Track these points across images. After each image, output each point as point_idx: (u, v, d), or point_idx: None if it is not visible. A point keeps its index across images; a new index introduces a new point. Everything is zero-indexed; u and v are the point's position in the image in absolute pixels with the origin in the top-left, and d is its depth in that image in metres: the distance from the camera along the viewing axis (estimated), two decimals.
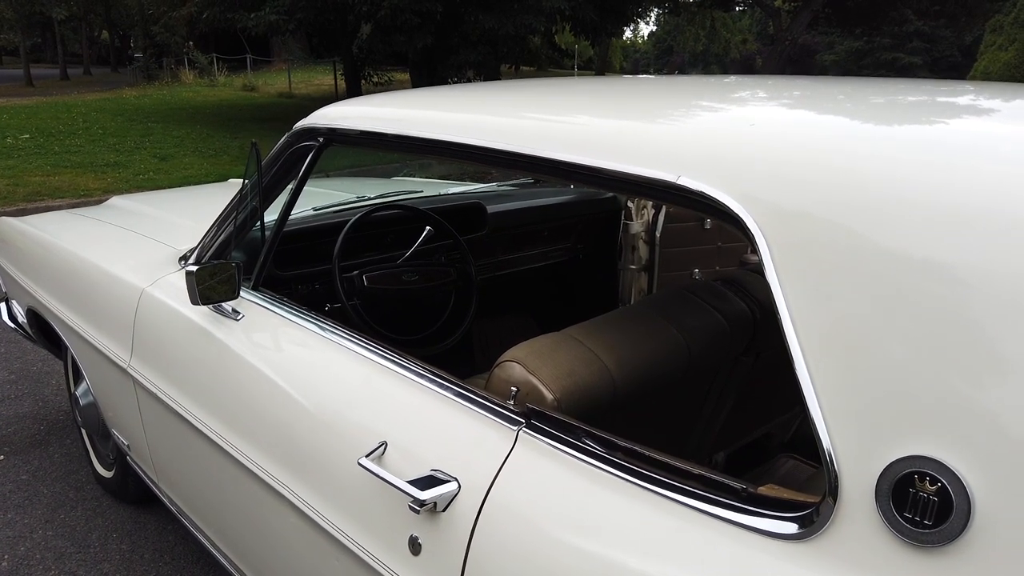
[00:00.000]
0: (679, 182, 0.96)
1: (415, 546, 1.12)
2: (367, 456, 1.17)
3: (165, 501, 2.04)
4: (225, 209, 1.82)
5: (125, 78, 25.23)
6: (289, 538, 1.41)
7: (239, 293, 1.64)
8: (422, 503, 1.06)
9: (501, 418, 1.12)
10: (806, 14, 17.83)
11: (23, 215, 2.87)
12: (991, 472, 0.69)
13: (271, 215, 1.72)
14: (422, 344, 2.07)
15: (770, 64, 21.22)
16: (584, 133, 1.15)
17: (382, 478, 1.13)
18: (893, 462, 0.74)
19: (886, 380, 0.76)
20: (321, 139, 1.61)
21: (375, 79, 16.04)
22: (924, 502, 0.71)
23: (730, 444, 1.74)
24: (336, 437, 1.30)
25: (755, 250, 0.88)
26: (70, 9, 29.71)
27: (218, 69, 21.81)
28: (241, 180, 1.81)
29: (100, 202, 3.32)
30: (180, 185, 6.89)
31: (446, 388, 1.21)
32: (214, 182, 5.72)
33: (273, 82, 20.31)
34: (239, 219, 1.73)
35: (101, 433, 2.49)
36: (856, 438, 0.77)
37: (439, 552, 1.09)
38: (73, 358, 2.47)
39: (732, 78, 1.65)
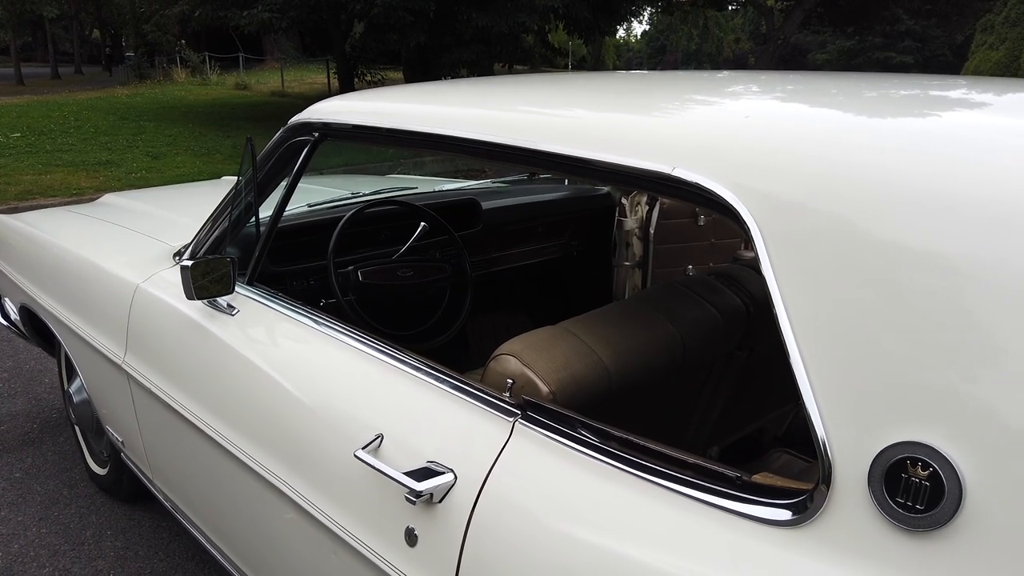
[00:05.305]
0: (674, 173, 0.97)
1: (411, 537, 1.12)
2: (363, 448, 1.18)
3: (160, 497, 2.03)
4: (220, 204, 1.82)
5: (116, 77, 25.12)
6: (285, 532, 1.41)
7: (234, 288, 1.64)
8: (419, 494, 1.06)
9: (497, 410, 1.12)
10: (799, 13, 17.88)
11: (14, 213, 2.85)
12: (982, 457, 0.70)
13: (266, 210, 1.72)
14: (417, 340, 2.08)
15: (763, 63, 21.28)
16: (578, 125, 1.15)
17: (378, 470, 1.13)
18: (885, 448, 0.74)
19: (879, 368, 0.76)
20: (316, 134, 1.61)
21: (368, 78, 16.02)
22: (916, 487, 0.72)
23: (724, 438, 1.75)
24: (332, 430, 1.31)
25: (749, 241, 0.89)
26: (61, 7, 29.55)
27: (210, 68, 21.74)
28: (235, 178, 1.81)
29: (92, 200, 3.31)
30: (173, 183, 6.86)
31: (442, 381, 1.22)
32: (207, 180, 5.70)
33: (266, 81, 20.25)
34: (234, 214, 1.73)
35: (95, 430, 2.48)
36: (849, 425, 0.77)
37: (435, 543, 1.09)
38: (67, 355, 2.46)
39: (725, 73, 1.66)
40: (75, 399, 2.50)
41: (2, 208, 6.41)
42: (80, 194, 7.23)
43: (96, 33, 36.58)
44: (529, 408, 1.10)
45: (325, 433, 1.32)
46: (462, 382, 1.20)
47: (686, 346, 1.39)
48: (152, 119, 13.38)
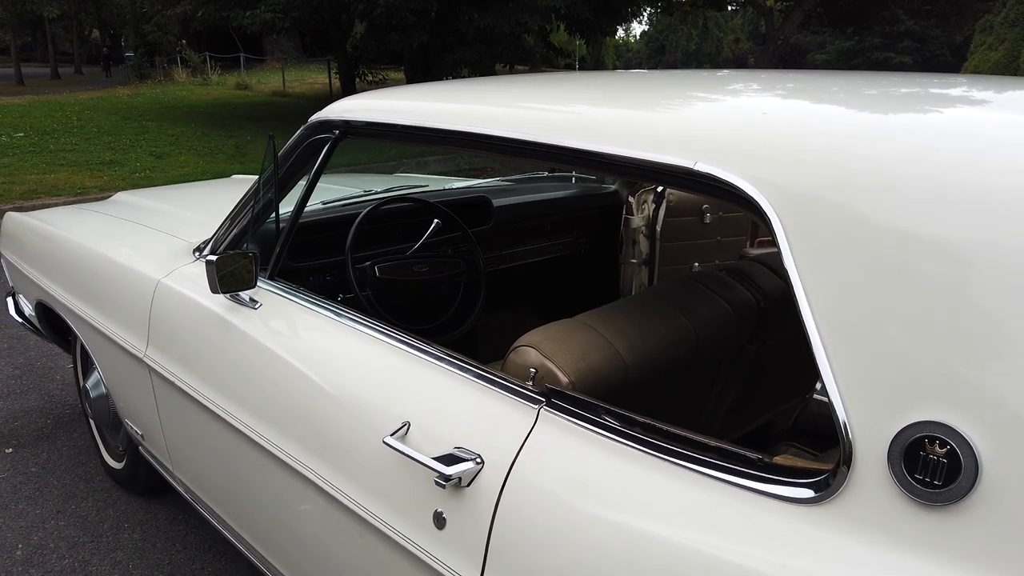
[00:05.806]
0: (696, 168, 1.00)
1: (440, 521, 1.16)
2: (392, 435, 1.21)
3: (179, 489, 2.07)
4: (240, 201, 1.86)
5: (116, 77, 25.13)
6: (311, 518, 1.45)
7: (257, 283, 1.67)
8: (448, 478, 1.10)
9: (522, 398, 1.16)
10: (798, 14, 17.92)
11: (24, 212, 2.88)
12: (997, 434, 0.74)
13: (286, 207, 1.76)
14: (432, 333, 2.11)
15: (762, 63, 21.31)
16: (601, 121, 1.19)
17: (408, 455, 1.17)
18: (904, 428, 0.78)
19: (897, 352, 0.80)
20: (336, 131, 1.65)
21: (370, 78, 16.04)
22: (934, 464, 0.76)
23: (733, 432, 1.78)
24: (359, 419, 1.34)
25: (771, 233, 0.92)
26: (61, 7, 29.57)
27: (211, 68, 21.76)
28: (246, 176, 1.84)
29: (97, 199, 3.34)
30: (177, 183, 6.88)
31: (466, 371, 1.25)
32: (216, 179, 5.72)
33: (267, 81, 20.26)
34: (255, 210, 1.76)
35: (111, 424, 2.52)
36: (869, 407, 0.81)
37: (464, 526, 1.13)
38: (83, 351, 2.50)
39: (734, 71, 1.69)
40: (92, 394, 2.54)
41: (7, 207, 6.42)
42: (85, 193, 7.26)
43: (96, 33, 36.57)
44: (553, 396, 1.13)
45: (351, 422, 1.36)
46: (487, 371, 1.23)
47: (699, 340, 1.43)
48: (154, 119, 13.40)
